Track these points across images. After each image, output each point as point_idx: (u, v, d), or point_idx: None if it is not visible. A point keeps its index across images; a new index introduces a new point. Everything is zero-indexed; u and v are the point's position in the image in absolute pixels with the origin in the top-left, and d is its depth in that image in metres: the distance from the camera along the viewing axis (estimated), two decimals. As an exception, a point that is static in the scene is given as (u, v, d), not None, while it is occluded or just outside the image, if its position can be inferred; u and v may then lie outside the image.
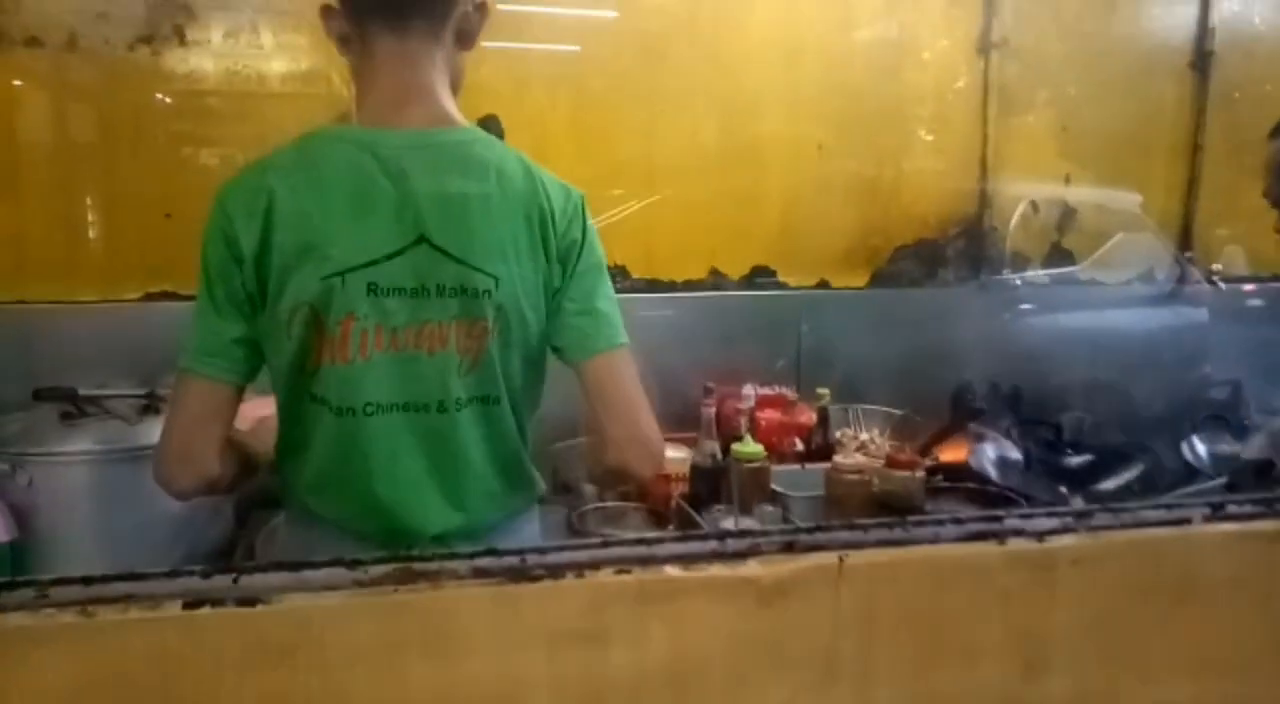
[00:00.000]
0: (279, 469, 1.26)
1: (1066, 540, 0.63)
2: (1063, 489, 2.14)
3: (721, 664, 0.59)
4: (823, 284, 2.44)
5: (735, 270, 2.39)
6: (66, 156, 1.99)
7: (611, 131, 2.27)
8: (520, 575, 0.54)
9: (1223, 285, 2.57)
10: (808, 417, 2.19)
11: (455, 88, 1.26)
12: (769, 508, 1.83)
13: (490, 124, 2.18)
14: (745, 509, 1.82)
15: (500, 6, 2.12)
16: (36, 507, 1.60)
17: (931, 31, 2.43)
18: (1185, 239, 2.62)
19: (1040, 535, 0.63)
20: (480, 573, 0.54)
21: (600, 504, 2.02)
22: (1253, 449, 2.20)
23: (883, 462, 1.91)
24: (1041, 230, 2.55)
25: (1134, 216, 2.67)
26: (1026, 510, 0.63)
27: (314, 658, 0.52)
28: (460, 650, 0.54)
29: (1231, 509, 0.67)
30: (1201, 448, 2.38)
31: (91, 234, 2.02)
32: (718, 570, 0.58)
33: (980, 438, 2.30)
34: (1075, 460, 2.28)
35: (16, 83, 1.95)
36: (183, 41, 2.01)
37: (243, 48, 2.04)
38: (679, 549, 0.58)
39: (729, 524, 1.79)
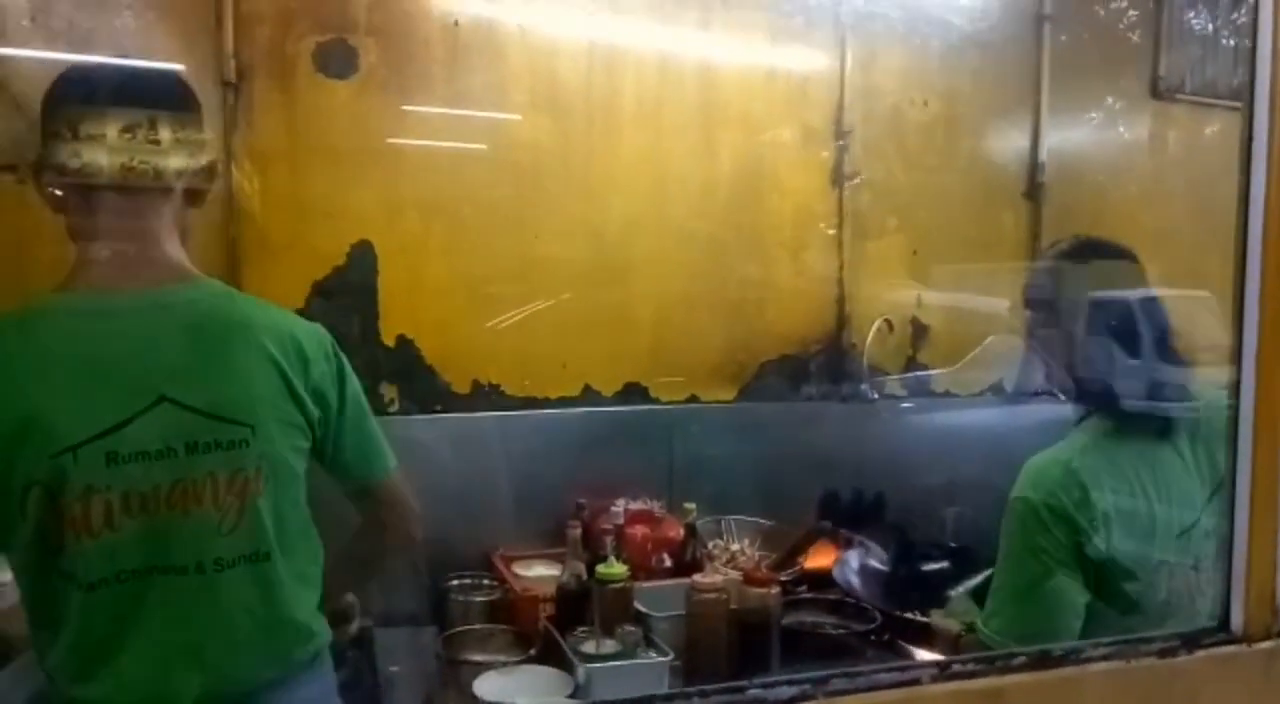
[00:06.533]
0: (35, 652, 1.20)
1: (806, 709, 0.70)
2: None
3: None
4: (692, 399, 2.54)
5: (608, 387, 2.47)
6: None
7: (485, 258, 2.35)
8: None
9: (1063, 396, 2.75)
10: (676, 531, 2.25)
11: (183, 239, 1.28)
12: (630, 629, 1.86)
13: (363, 250, 2.25)
14: (608, 631, 1.85)
15: (383, 138, 2.24)
16: None
17: (789, 165, 2.61)
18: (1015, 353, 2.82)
19: (781, 705, 0.70)
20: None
21: (468, 627, 2.03)
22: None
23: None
24: (897, 346, 2.72)
25: (997, 323, 2.86)
26: (769, 679, 0.70)
27: None
28: None
29: (955, 668, 0.75)
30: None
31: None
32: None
33: (848, 545, 2.40)
34: (931, 566, 2.39)
35: None
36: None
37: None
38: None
39: (591, 647, 1.82)
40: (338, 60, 2.22)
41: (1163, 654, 0.80)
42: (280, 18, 2.18)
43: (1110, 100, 2.88)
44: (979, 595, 2.23)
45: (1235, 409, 0.84)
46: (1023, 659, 0.77)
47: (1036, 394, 2.83)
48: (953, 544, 2.50)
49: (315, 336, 1.30)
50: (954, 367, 2.86)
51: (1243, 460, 0.83)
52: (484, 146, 2.37)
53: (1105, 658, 0.79)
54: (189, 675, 1.16)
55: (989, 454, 2.67)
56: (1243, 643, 0.82)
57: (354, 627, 1.50)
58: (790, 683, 0.71)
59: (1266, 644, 0.83)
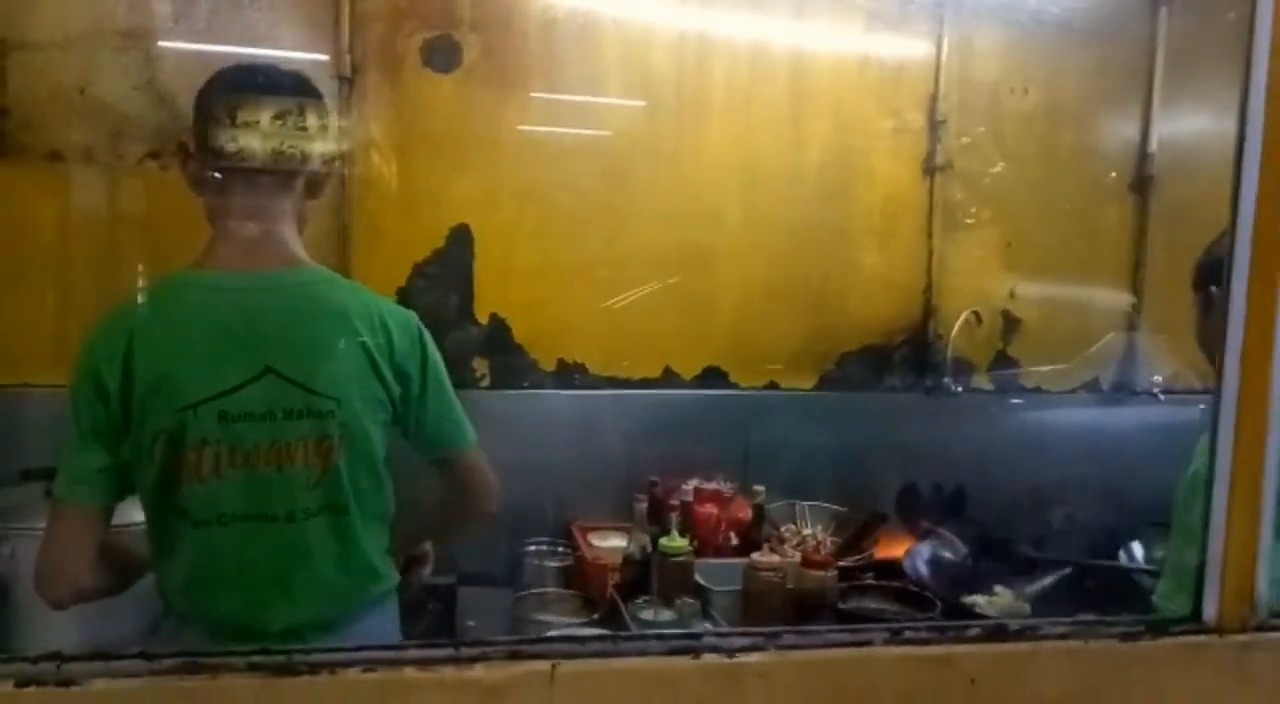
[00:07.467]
0: (157, 579, 1.41)
1: (755, 657, 0.77)
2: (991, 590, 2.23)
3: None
4: (771, 385, 2.59)
5: (688, 370, 2.55)
6: (69, 255, 2.21)
7: (574, 242, 2.47)
8: (286, 670, 0.70)
9: (1162, 397, 2.66)
10: (745, 512, 2.31)
11: (300, 227, 1.42)
12: (689, 601, 1.94)
13: (461, 234, 2.40)
14: (667, 601, 1.94)
15: (483, 129, 2.38)
16: (18, 577, 1.78)
17: (879, 154, 2.61)
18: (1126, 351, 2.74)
19: (732, 652, 0.77)
20: (254, 668, 0.70)
21: (541, 589, 2.16)
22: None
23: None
24: (986, 339, 2.68)
25: (1096, 317, 2.78)
26: (724, 630, 0.77)
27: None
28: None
29: (908, 634, 0.81)
30: (1140, 553, 2.46)
31: (84, 325, 2.24)
32: (449, 672, 0.72)
33: (924, 536, 2.41)
34: (1008, 562, 2.37)
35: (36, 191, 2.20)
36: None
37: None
38: (420, 654, 0.73)
39: (650, 615, 1.91)
40: (443, 55, 2.37)
41: (1125, 638, 0.83)
42: (391, 16, 2.34)
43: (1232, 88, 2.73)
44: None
45: (1217, 398, 0.86)
46: (977, 630, 0.82)
47: (1136, 393, 2.75)
48: (1035, 542, 2.46)
49: (402, 321, 1.43)
50: (1068, 364, 2.80)
51: (1223, 447, 0.85)
52: (577, 136, 2.48)
53: (1062, 636, 0.82)
54: (278, 606, 1.35)
55: (1078, 453, 2.62)
56: (1215, 634, 0.84)
57: (427, 571, 1.66)
58: (745, 635, 0.78)
59: (1241, 637, 0.84)
